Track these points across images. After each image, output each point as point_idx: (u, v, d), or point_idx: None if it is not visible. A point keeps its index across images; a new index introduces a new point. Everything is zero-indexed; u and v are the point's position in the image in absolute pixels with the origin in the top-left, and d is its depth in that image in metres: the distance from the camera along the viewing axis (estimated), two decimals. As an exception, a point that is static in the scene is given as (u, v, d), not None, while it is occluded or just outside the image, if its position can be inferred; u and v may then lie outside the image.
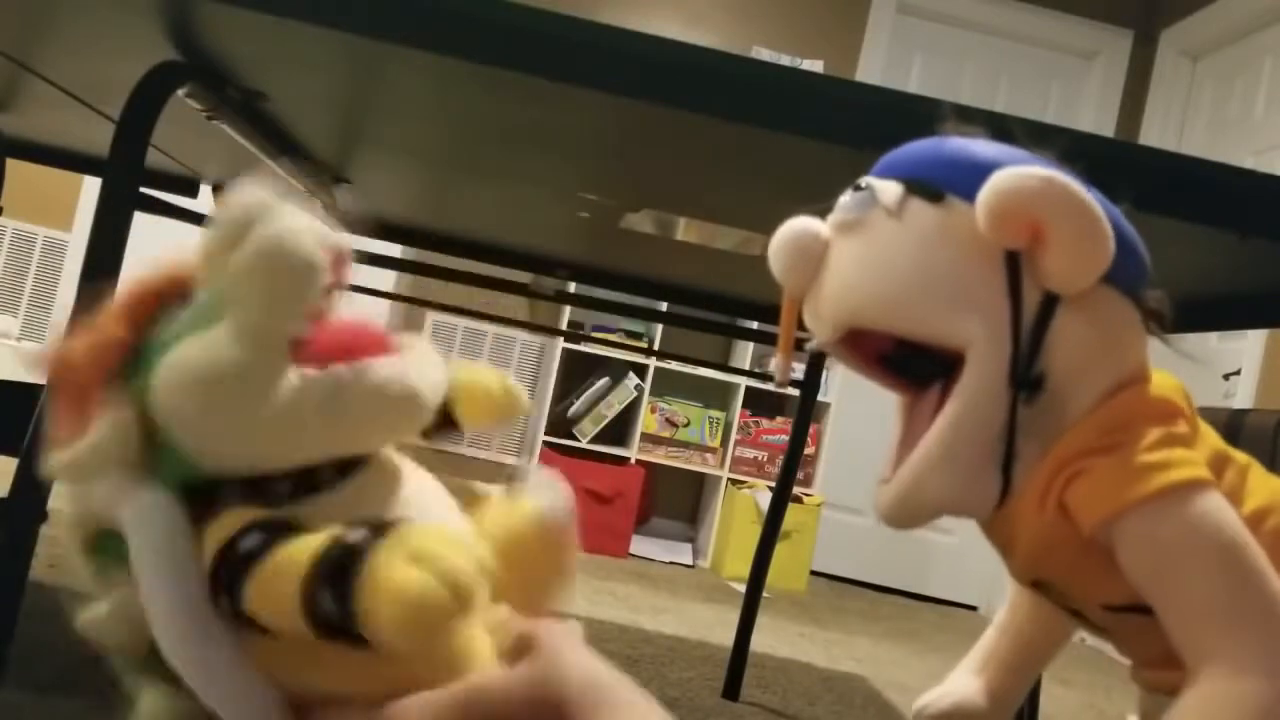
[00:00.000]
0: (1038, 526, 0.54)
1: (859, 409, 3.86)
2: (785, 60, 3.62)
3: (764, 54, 3.70)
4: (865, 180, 0.59)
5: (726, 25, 3.81)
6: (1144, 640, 0.56)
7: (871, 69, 3.83)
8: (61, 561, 1.99)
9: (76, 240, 3.02)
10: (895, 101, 0.81)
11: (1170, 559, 0.50)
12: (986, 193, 0.52)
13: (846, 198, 0.58)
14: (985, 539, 0.64)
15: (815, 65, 3.74)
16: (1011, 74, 3.93)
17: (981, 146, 0.56)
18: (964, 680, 0.71)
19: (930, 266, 0.54)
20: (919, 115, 0.80)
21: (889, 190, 0.56)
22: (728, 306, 2.03)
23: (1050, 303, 0.53)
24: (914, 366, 0.59)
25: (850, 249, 0.57)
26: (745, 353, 3.64)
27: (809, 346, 0.61)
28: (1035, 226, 0.52)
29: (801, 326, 0.61)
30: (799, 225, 0.59)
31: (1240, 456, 0.57)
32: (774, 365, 0.63)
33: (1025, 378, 0.53)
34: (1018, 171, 0.52)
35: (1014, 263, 0.53)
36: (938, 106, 0.81)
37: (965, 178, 0.54)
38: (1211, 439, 0.56)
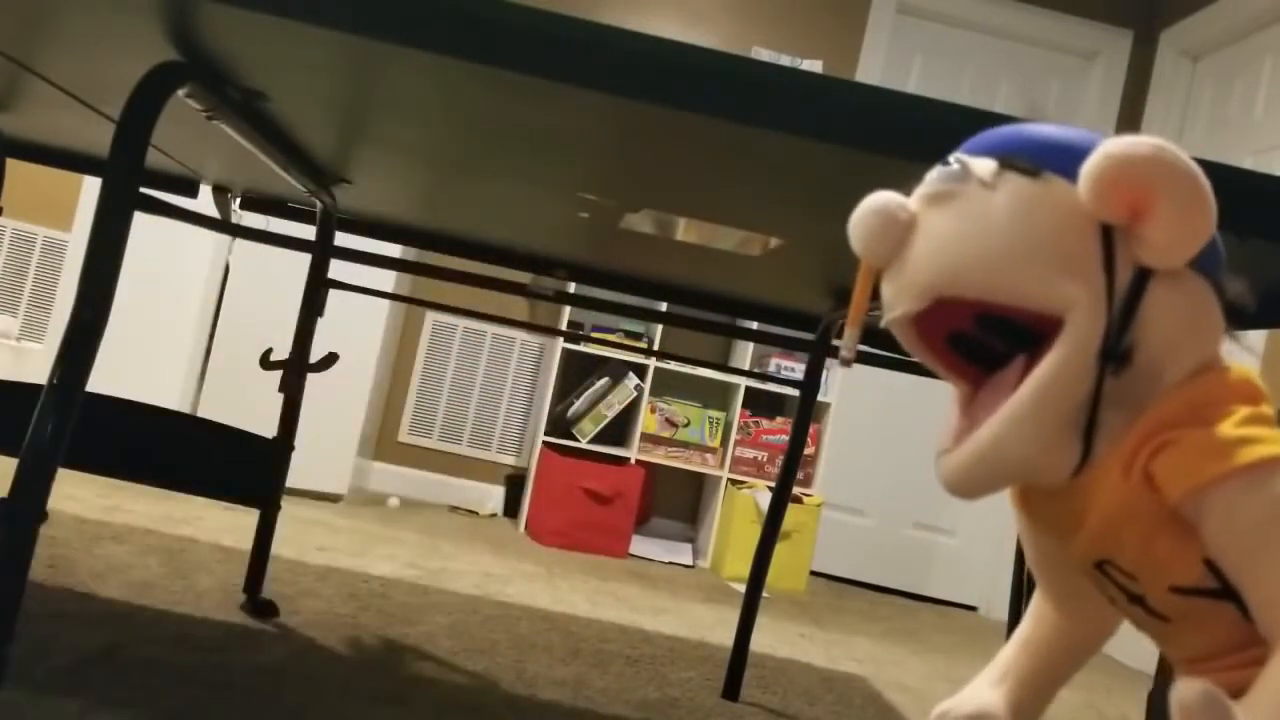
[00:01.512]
0: (1120, 496, 0.54)
1: (859, 409, 3.86)
2: (785, 61, 3.62)
3: (764, 54, 3.70)
4: (955, 156, 0.59)
5: (726, 26, 3.82)
6: (1202, 630, 0.55)
7: (871, 69, 3.83)
8: (61, 561, 1.99)
9: (76, 240, 3.03)
10: (895, 102, 0.81)
11: (1259, 532, 0.50)
12: (1097, 158, 0.53)
13: (934, 173, 0.59)
14: (1028, 530, 0.63)
15: (815, 66, 3.74)
16: (1011, 74, 3.93)
17: (1075, 131, 0.57)
18: (983, 691, 0.71)
19: (1031, 233, 0.54)
20: (918, 116, 0.81)
21: (984, 164, 0.57)
22: (727, 307, 2.03)
23: (1142, 278, 0.54)
24: (991, 343, 0.59)
25: (943, 219, 0.57)
26: (745, 353, 3.64)
27: (883, 322, 0.61)
28: (1138, 198, 0.53)
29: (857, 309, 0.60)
30: (884, 196, 0.59)
31: None
32: (843, 340, 0.63)
33: (1115, 349, 0.54)
34: (1129, 139, 0.52)
35: (1109, 237, 0.54)
36: (937, 107, 0.81)
37: (1063, 156, 0.55)
38: None
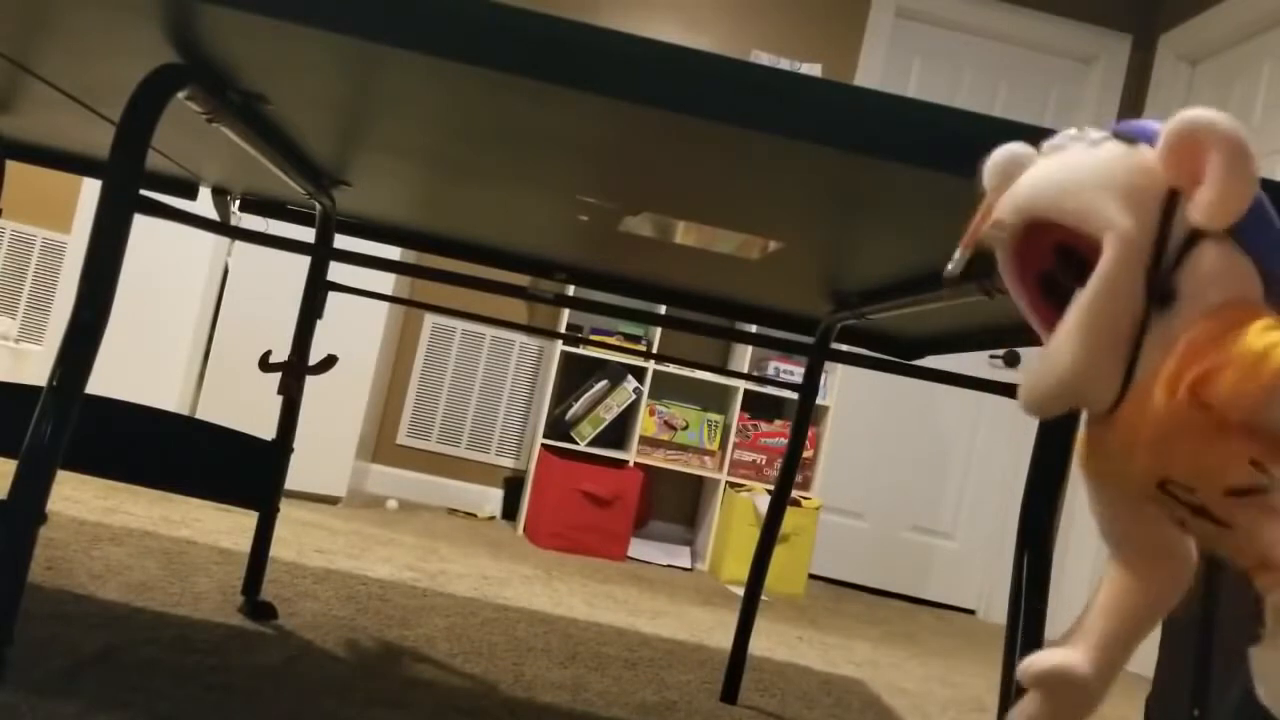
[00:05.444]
0: (1166, 416, 0.60)
1: (857, 412, 3.87)
2: (784, 64, 3.63)
3: (763, 58, 3.71)
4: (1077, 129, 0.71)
5: (725, 29, 3.82)
6: (1265, 531, 0.61)
7: (870, 73, 3.83)
8: (60, 563, 1.98)
9: (75, 242, 3.03)
10: (893, 106, 0.81)
11: None
12: (1171, 122, 0.62)
13: (1058, 136, 0.70)
14: (1098, 492, 0.70)
15: (814, 69, 3.74)
16: (1010, 78, 3.94)
17: None
18: (1063, 649, 0.75)
19: (1104, 172, 0.65)
20: (917, 119, 0.81)
21: (1095, 132, 0.68)
22: (726, 309, 2.03)
23: (1192, 239, 0.62)
24: (1068, 282, 0.66)
25: (1048, 160, 0.69)
26: (744, 356, 3.64)
27: (991, 234, 0.71)
28: (1197, 161, 0.61)
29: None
30: (1016, 145, 0.71)
31: None
32: (954, 258, 0.74)
33: (1161, 286, 0.62)
34: (1199, 109, 0.61)
35: (1172, 198, 0.62)
36: (935, 110, 0.81)
37: (1156, 137, 0.65)
38: None
